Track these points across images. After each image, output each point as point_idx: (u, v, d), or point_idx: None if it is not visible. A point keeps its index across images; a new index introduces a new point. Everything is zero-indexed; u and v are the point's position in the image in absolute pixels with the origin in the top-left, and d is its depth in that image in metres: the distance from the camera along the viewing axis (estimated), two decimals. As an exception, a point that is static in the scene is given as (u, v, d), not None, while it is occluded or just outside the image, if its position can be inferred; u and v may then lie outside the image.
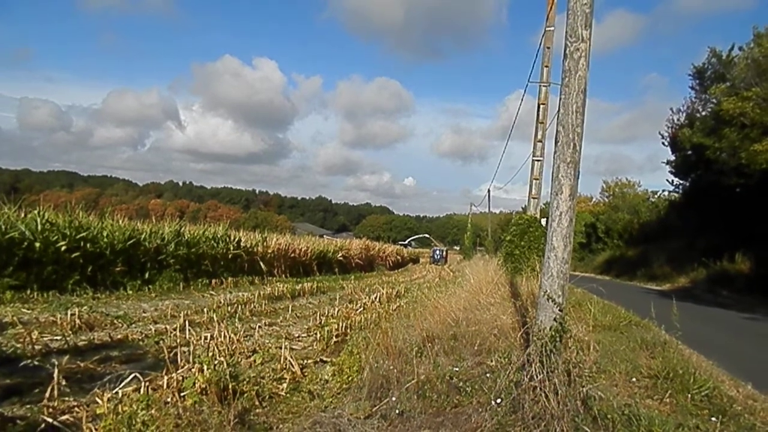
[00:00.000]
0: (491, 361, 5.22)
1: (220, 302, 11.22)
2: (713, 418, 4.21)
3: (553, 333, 4.09)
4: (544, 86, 15.74)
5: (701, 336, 8.98)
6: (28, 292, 9.97)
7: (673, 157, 30.88)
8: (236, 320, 9.34)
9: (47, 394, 4.06)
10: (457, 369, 5.10)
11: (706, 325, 11.49)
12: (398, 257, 46.11)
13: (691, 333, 6.89)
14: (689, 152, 27.36)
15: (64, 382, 4.28)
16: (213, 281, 15.20)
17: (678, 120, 30.05)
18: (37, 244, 10.62)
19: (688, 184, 30.76)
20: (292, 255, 22.52)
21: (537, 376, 3.94)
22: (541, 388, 3.87)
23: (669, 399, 4.72)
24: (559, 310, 4.17)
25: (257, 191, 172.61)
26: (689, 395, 4.73)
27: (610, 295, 11.23)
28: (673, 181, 32.19)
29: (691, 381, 4.99)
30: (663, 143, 31.34)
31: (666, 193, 37.35)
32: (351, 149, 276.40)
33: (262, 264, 18.83)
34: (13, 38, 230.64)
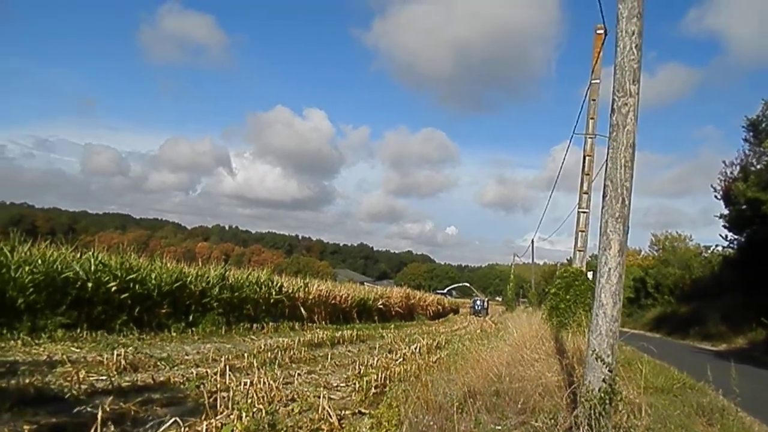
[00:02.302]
0: (536, 422, 5.00)
1: (261, 347, 11.26)
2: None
3: (603, 395, 3.91)
4: (589, 138, 15.67)
5: (763, 402, 8.39)
6: (78, 330, 10.26)
7: (726, 211, 29.76)
8: (276, 366, 9.32)
9: (90, 436, 4.11)
10: (499, 428, 4.91)
11: (767, 390, 10.75)
12: (439, 307, 45.50)
13: (752, 399, 6.47)
14: (744, 206, 26.35)
15: (112, 428, 4.33)
16: (254, 326, 15.31)
17: (731, 173, 29.13)
18: (90, 284, 11.00)
19: (743, 239, 29.47)
20: (333, 302, 22.53)
21: (585, 441, 3.75)
22: (589, 454, 3.68)
23: (730, 472, 4.40)
24: (609, 371, 3.99)
25: (300, 237, 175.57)
26: (753, 469, 4.39)
27: (661, 355, 10.71)
28: (726, 236, 30.90)
29: (754, 453, 4.65)
30: (716, 196, 30.35)
31: (720, 248, 35.79)
32: (395, 197, 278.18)
33: (302, 310, 18.90)
34: (82, 90, 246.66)
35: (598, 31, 14.84)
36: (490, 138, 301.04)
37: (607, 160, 4.39)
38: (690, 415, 6.39)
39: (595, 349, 4.12)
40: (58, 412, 5.19)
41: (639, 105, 4.35)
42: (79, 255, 12.03)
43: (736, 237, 30.34)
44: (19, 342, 8.84)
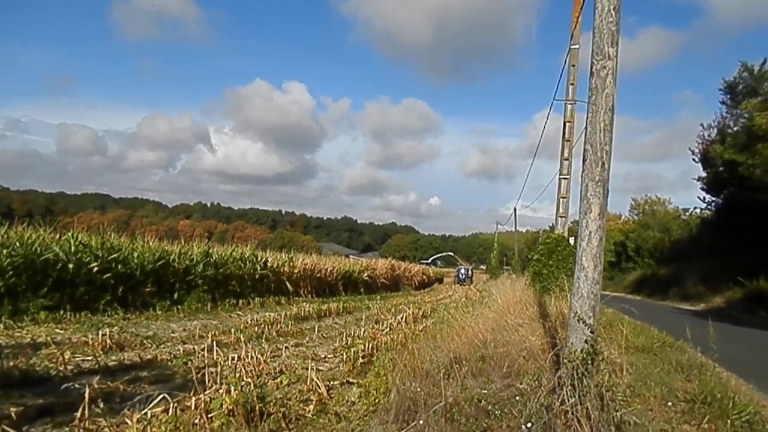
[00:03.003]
0: (521, 384, 5.09)
1: (247, 322, 11.28)
2: (755, 446, 4.03)
3: (585, 355, 3.98)
4: (569, 104, 15.65)
5: (739, 358, 8.65)
6: (62, 312, 10.18)
7: (704, 174, 30.22)
8: (263, 341, 9.36)
9: (78, 415, 4.10)
10: (485, 391, 4.99)
11: (743, 346, 11.06)
12: (424, 277, 45.95)
13: (729, 355, 6.65)
14: (721, 169, 26.74)
15: (101, 404, 4.32)
16: (240, 301, 15.32)
17: (709, 136, 29.49)
18: (71, 266, 10.87)
19: (720, 201, 30.01)
20: (318, 275, 22.60)
21: (569, 400, 3.83)
22: (573, 413, 3.76)
23: (707, 425, 4.54)
24: (591, 332, 4.07)
25: (284, 212, 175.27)
26: (729, 420, 4.54)
27: (642, 316, 10.94)
28: (705, 198, 31.47)
29: (730, 405, 4.79)
30: (694, 159, 30.76)
31: (698, 210, 36.44)
32: (377, 169, 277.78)
33: (288, 284, 18.93)
34: (54, 68, 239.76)
35: (577, -5, 14.70)
36: (472, 107, 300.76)
37: (586, 125, 4.38)
38: (669, 372, 6.57)
39: (577, 312, 4.18)
40: (44, 393, 5.18)
41: (618, 68, 4.32)
42: (58, 236, 11.86)
43: (713, 199, 30.89)
44: (1, 326, 8.75)
